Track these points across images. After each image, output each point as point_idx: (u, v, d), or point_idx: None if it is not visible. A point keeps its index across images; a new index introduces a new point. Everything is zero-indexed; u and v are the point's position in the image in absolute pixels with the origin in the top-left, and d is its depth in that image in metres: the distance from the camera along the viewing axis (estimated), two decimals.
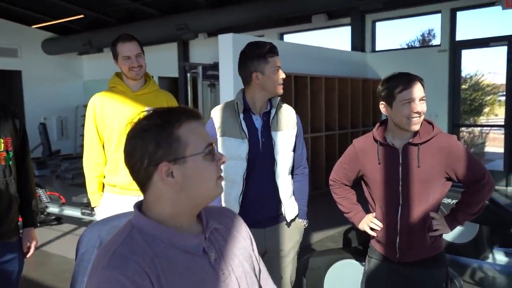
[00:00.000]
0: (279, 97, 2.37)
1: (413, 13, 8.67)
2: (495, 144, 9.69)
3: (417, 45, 9.97)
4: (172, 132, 1.01)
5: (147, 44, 11.55)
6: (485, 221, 3.45)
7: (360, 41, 8.73)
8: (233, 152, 2.23)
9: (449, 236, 3.61)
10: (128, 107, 2.65)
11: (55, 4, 10.80)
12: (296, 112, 2.47)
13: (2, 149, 2.14)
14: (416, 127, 1.96)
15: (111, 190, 2.69)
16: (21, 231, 2.34)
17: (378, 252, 2.12)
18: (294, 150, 2.35)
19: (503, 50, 7.74)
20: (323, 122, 7.16)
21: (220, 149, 2.27)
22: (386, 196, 2.04)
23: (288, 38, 10.50)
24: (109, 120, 2.65)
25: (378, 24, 9.04)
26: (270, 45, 2.27)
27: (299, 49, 7.33)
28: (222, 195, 2.26)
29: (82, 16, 11.46)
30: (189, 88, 9.31)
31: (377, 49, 9.04)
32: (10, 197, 2.16)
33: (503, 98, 16.35)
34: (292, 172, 2.40)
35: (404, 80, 1.96)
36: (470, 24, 8.23)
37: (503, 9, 7.33)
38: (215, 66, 8.37)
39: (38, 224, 5.84)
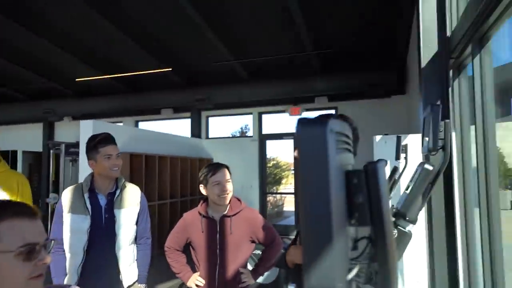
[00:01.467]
0: (124, 180, 2.22)
1: (235, 113, 9.28)
2: (290, 205, 10.50)
3: (238, 135, 10.59)
4: None
5: (15, 123, 10.28)
6: (281, 265, 3.60)
7: (197, 130, 8.93)
8: (76, 227, 2.01)
9: (260, 278, 3.68)
10: None
11: None
12: (146, 184, 2.36)
13: None
14: (224, 202, 2.03)
15: None
16: None
17: None
18: (137, 224, 2.18)
19: (290, 141, 8.67)
20: (168, 191, 6.95)
21: (65, 225, 2.03)
22: (208, 258, 2.04)
23: (142, 125, 10.23)
24: None
25: (210, 118, 9.40)
26: (101, 136, 2.12)
27: (149, 134, 7.18)
28: (67, 265, 2.00)
29: None
30: (51, 163, 8.31)
31: (210, 136, 9.33)
32: None
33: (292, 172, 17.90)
34: (135, 242, 2.21)
35: (214, 167, 2.07)
36: (272, 123, 9.06)
37: (290, 115, 8.38)
38: (77, 144, 7.60)
39: None
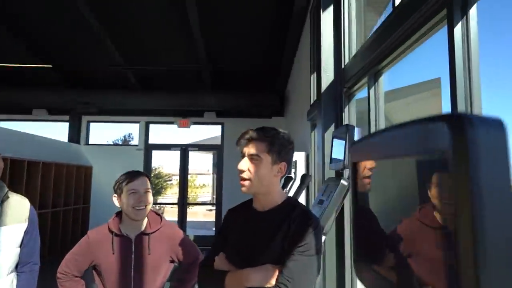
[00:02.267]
0: (6, 189, 1.70)
1: (121, 120, 8.44)
2: (171, 215, 9.98)
3: (121, 143, 9.69)
4: None
5: None
6: None
7: (76, 135, 7.78)
8: None
9: None
10: None
11: None
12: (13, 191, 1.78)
13: None
14: (141, 216, 1.65)
15: None
16: None
17: None
18: (21, 245, 1.67)
19: (177, 152, 8.31)
20: (37, 201, 5.79)
21: None
22: (120, 283, 1.61)
23: (7, 124, 8.43)
24: None
25: (93, 124, 8.33)
26: None
27: (17, 135, 5.87)
28: None
29: None
30: None
31: (90, 142, 8.23)
32: None
33: (174, 182, 17.49)
34: (16, 269, 1.69)
35: (131, 175, 1.69)
36: (159, 133, 8.54)
37: (178, 127, 8.03)
38: None
39: None
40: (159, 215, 1.79)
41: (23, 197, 1.76)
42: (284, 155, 1.28)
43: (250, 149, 1.27)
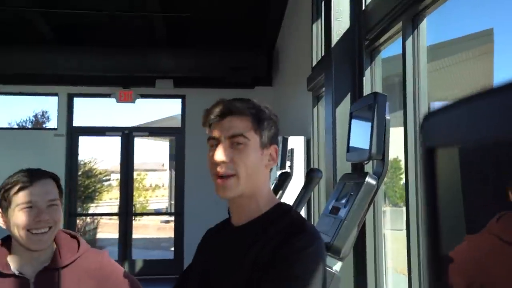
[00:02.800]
0: None
1: (27, 91, 8.13)
2: (110, 230, 9.82)
3: (30, 126, 9.36)
4: None
5: None
6: None
7: None
8: None
9: None
10: None
11: None
12: None
13: None
14: (41, 244, 1.51)
15: None
16: None
17: None
18: None
19: (117, 139, 8.11)
20: None
21: None
22: None
23: None
24: None
25: None
26: None
27: None
28: None
29: None
30: None
31: None
32: None
33: (113, 183, 17.37)
34: None
35: (23, 176, 1.52)
36: (88, 112, 8.33)
37: (117, 101, 7.83)
38: None
39: None
40: (76, 238, 1.66)
41: None
42: (274, 135, 1.28)
43: (229, 128, 1.20)
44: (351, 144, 2.11)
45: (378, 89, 2.86)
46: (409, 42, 2.32)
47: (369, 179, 1.81)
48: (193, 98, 8.05)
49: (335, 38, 2.95)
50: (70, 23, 6.81)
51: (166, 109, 11.74)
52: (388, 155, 1.87)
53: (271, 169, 1.29)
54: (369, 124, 1.87)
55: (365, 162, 2.03)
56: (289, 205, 1.35)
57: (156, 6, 6.09)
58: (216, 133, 1.21)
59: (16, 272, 1.49)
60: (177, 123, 8.31)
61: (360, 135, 2.01)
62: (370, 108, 1.89)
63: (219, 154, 1.18)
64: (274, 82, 7.66)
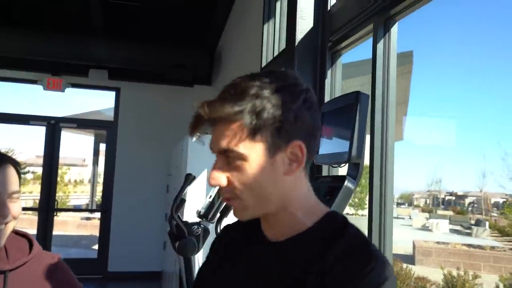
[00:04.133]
0: None
1: None
2: (27, 226, 9.09)
3: None
4: None
5: None
6: None
7: None
8: None
9: None
10: None
11: None
12: None
13: None
14: None
15: None
16: None
17: None
18: None
19: (42, 129, 7.56)
20: None
21: None
22: None
23: None
24: None
25: None
26: None
27: None
28: None
29: None
30: None
31: None
32: None
33: (31, 175, 16.36)
34: None
35: None
36: (11, 98, 7.69)
37: (45, 89, 7.30)
38: None
39: None
40: (27, 237, 1.44)
41: None
42: (293, 126, 0.88)
43: (217, 141, 0.89)
44: (322, 146, 1.96)
45: (338, 92, 2.77)
46: (380, 45, 2.23)
47: (348, 183, 1.67)
48: (128, 92, 7.69)
49: (299, 35, 2.83)
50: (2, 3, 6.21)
51: (97, 102, 11.13)
52: (364, 157, 1.75)
53: (310, 165, 0.96)
54: (348, 125, 1.73)
55: (341, 166, 1.88)
56: (340, 215, 1.01)
57: None
58: (210, 144, 0.92)
59: None
60: (110, 117, 7.86)
61: (335, 136, 1.87)
62: (349, 108, 1.76)
63: (212, 176, 0.89)
64: (215, 81, 7.48)
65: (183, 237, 3.50)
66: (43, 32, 6.40)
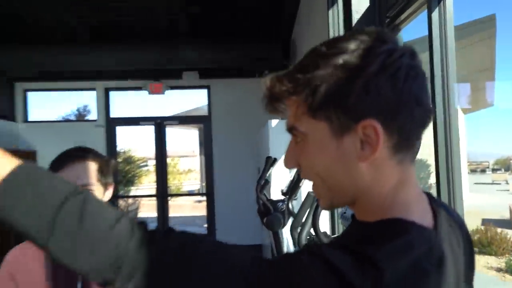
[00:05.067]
0: None
1: (70, 87, 8.02)
2: (149, 210, 9.76)
3: (74, 119, 9.31)
4: None
5: None
6: None
7: (9, 109, 7.37)
8: None
9: None
10: None
11: None
12: None
13: None
14: None
15: None
16: None
17: None
18: None
19: (151, 128, 7.96)
20: None
21: None
22: None
23: None
24: None
25: (31, 94, 7.90)
26: None
27: None
28: None
29: None
30: None
31: (30, 119, 7.83)
32: None
33: (151, 168, 17.45)
34: None
35: (59, 160, 1.39)
36: (123, 104, 8.17)
37: (149, 93, 7.64)
38: None
39: None
40: None
41: None
42: (361, 99, 0.64)
43: (287, 119, 0.73)
44: None
45: None
46: (435, 14, 1.99)
47: None
48: (217, 88, 7.82)
49: (356, 17, 2.63)
50: (103, 24, 6.59)
51: (193, 99, 11.51)
52: None
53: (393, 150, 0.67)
54: None
55: None
56: (407, 226, 0.67)
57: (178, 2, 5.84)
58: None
59: None
60: (204, 112, 8.08)
61: None
62: None
63: (284, 157, 0.75)
64: None
65: (269, 213, 3.47)
66: (141, 45, 6.67)
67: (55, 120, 8.59)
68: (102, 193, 1.42)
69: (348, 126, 0.65)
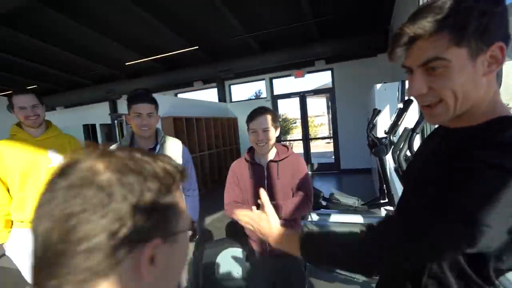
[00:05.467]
0: (163, 134, 1.61)
1: (251, 80, 8.45)
2: (298, 149, 9.99)
3: (254, 97, 9.88)
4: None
5: (88, 103, 9.78)
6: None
7: (223, 96, 8.24)
8: None
9: None
10: (29, 152, 1.65)
11: (11, 80, 8.35)
12: (188, 141, 1.76)
13: None
14: (261, 151, 1.43)
15: (19, 225, 1.65)
16: None
17: (253, 247, 1.51)
18: None
19: (297, 99, 7.95)
20: (205, 145, 6.44)
21: None
22: (256, 203, 1.46)
23: (180, 95, 9.58)
24: (10, 165, 1.61)
25: (232, 86, 8.64)
26: (134, 93, 1.49)
27: (186, 102, 6.57)
28: None
29: (34, 86, 9.06)
30: (117, 130, 7.89)
31: (233, 100, 8.63)
32: None
33: (297, 124, 17.48)
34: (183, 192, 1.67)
35: (252, 114, 1.42)
36: (281, 85, 8.31)
37: (295, 78, 7.56)
38: None
39: None
40: (286, 146, 1.53)
41: (177, 140, 1.70)
42: (494, 29, 0.54)
43: (418, 56, 0.58)
44: None
45: None
46: None
47: None
48: (337, 69, 7.30)
49: None
50: (265, 39, 6.67)
51: (322, 78, 10.99)
52: None
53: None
54: None
55: None
56: None
57: (310, 16, 5.53)
58: (406, 62, 0.61)
59: (258, 162, 1.49)
60: (330, 86, 7.68)
61: None
62: None
63: (413, 88, 0.60)
64: None
65: (376, 146, 3.23)
66: (288, 48, 6.60)
67: (245, 99, 9.23)
68: (274, 132, 1.45)
69: (482, 49, 0.55)
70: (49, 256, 0.28)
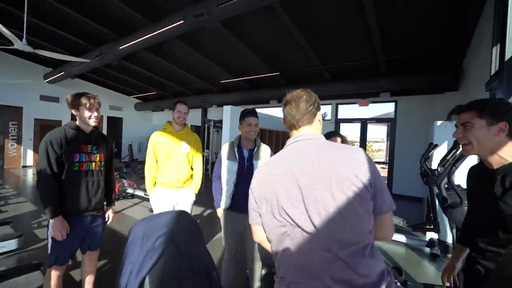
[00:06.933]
0: (260, 140, 2.09)
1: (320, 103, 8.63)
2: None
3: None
4: None
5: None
6: None
7: None
8: (229, 169, 1.94)
9: None
10: (171, 140, 2.32)
11: (141, 87, 10.38)
12: (270, 147, 2.24)
13: (98, 160, 1.81)
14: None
15: (160, 186, 2.28)
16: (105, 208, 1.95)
17: None
18: None
19: (358, 124, 7.84)
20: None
21: (223, 167, 1.97)
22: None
23: (259, 110, 10.30)
24: (161, 146, 2.26)
25: None
26: (248, 110, 1.98)
27: (264, 117, 7.18)
28: (224, 192, 1.96)
29: (154, 92, 11.01)
30: (206, 132, 9.00)
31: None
32: (100, 187, 1.83)
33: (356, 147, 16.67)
34: None
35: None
36: (345, 110, 8.33)
37: (359, 106, 7.51)
38: (220, 121, 8.10)
39: (121, 198, 5.28)
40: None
41: (267, 146, 2.15)
42: (504, 116, 0.96)
43: (461, 119, 1.04)
44: None
45: None
46: None
47: None
48: (402, 102, 7.00)
49: (508, 55, 2.16)
50: (337, 70, 6.82)
51: (385, 108, 10.45)
52: None
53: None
54: None
55: None
56: None
57: (381, 55, 5.58)
58: (457, 122, 1.07)
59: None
60: (392, 116, 7.39)
61: None
62: None
63: (454, 133, 1.05)
64: (460, 88, 5.88)
65: (428, 176, 3.22)
66: (355, 80, 6.60)
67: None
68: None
69: (493, 123, 0.97)
70: None
